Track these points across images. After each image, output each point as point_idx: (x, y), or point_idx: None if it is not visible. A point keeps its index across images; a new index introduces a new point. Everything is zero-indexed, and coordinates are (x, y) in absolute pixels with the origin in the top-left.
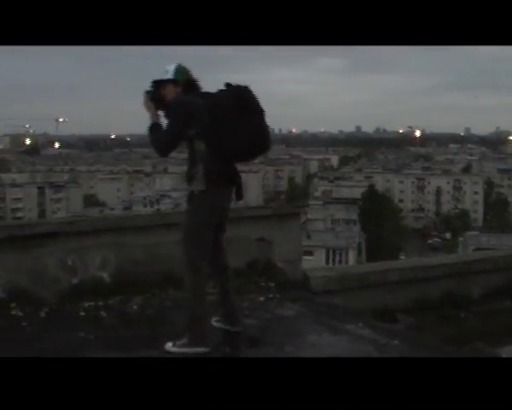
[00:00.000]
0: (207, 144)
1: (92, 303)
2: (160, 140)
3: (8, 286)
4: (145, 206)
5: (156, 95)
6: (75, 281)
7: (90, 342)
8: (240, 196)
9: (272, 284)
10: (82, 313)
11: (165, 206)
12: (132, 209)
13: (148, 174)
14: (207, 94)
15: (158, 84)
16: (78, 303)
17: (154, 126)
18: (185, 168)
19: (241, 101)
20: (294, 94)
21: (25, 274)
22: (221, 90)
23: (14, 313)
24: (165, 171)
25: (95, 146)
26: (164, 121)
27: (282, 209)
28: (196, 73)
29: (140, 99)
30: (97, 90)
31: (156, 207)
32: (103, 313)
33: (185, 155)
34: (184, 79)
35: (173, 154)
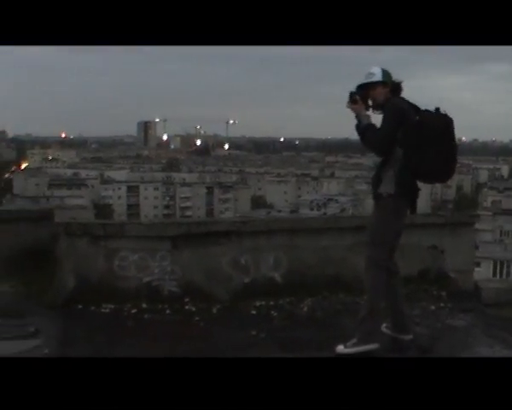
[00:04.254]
0: (406, 152)
1: (263, 303)
2: (379, 139)
3: (182, 281)
4: (312, 209)
5: (365, 96)
6: (247, 280)
7: (261, 341)
8: (414, 210)
9: (443, 294)
10: (253, 312)
11: (332, 210)
12: (299, 212)
13: (315, 178)
14: (415, 106)
15: (366, 87)
16: (250, 302)
17: (371, 126)
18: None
19: (447, 128)
20: (466, 101)
21: (199, 271)
22: (429, 110)
23: (187, 307)
24: (333, 175)
25: (264, 148)
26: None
27: (456, 218)
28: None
29: (314, 104)
30: (268, 93)
31: (323, 211)
32: (274, 313)
33: (356, 161)
34: (390, 81)
35: (340, 159)
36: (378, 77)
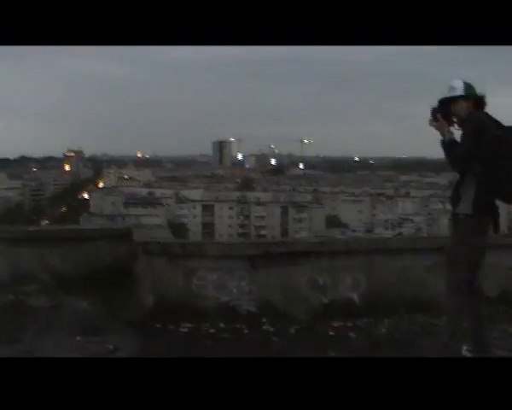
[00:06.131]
0: (484, 170)
1: (341, 323)
2: (457, 155)
3: (260, 301)
4: (387, 229)
5: (448, 111)
6: (325, 300)
7: None
8: (497, 229)
9: None
10: (331, 333)
11: (407, 230)
12: (374, 232)
13: (390, 197)
14: (497, 122)
15: (449, 102)
16: (328, 322)
17: (453, 143)
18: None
19: None
20: None
21: (277, 290)
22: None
23: (265, 327)
24: (408, 195)
25: (338, 168)
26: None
27: None
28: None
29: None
30: (342, 112)
31: (398, 230)
32: (352, 334)
33: (431, 180)
34: (473, 95)
35: (415, 177)
36: (460, 91)
